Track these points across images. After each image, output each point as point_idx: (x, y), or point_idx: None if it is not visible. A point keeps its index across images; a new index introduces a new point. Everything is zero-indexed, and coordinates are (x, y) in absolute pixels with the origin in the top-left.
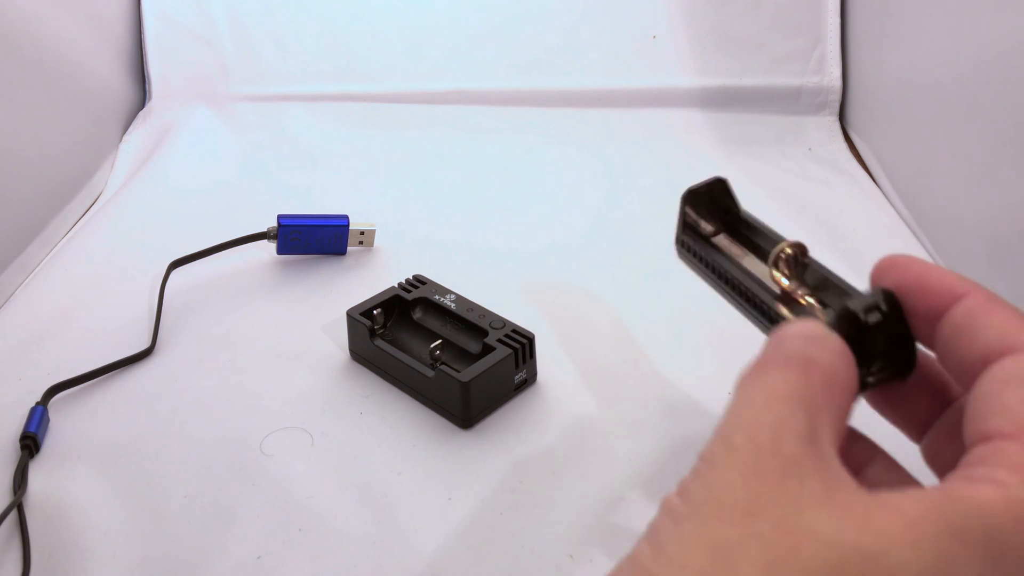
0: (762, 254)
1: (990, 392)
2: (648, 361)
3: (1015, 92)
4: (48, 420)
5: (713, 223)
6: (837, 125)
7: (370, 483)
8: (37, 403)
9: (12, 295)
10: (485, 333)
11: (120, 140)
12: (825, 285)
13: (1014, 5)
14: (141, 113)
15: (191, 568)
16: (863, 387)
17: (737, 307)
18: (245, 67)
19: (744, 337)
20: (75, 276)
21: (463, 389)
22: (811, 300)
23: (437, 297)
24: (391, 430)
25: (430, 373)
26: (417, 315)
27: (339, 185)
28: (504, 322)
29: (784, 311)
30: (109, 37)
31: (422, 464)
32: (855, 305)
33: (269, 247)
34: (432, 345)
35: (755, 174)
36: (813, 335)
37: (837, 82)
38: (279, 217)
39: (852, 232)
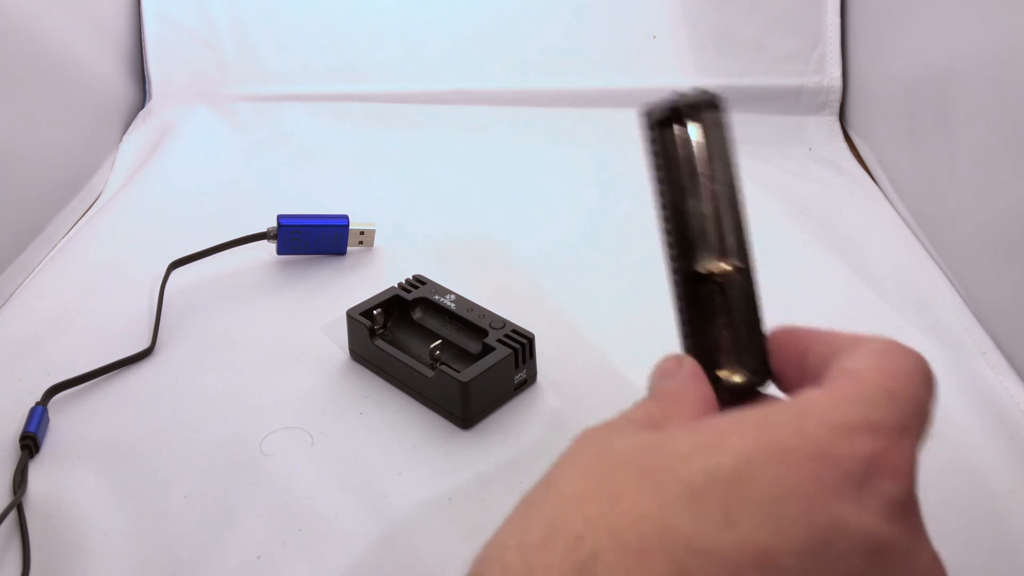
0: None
1: (834, 366)
2: (648, 361)
3: (1015, 92)
4: (48, 420)
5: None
6: (837, 125)
7: (370, 483)
8: (37, 403)
9: (12, 295)
10: (485, 333)
11: (120, 140)
12: (742, 304)
13: (1014, 4)
14: (141, 113)
15: (191, 568)
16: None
17: (659, 214)
18: (245, 67)
19: None
20: (75, 276)
21: (463, 389)
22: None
23: (437, 297)
24: (391, 430)
25: (430, 373)
26: (417, 315)
27: (339, 185)
28: (504, 322)
29: (689, 303)
30: (109, 37)
31: (422, 464)
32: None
33: (269, 247)
34: (432, 345)
35: (755, 174)
36: (667, 371)
37: (837, 82)
38: (279, 217)
39: (852, 232)
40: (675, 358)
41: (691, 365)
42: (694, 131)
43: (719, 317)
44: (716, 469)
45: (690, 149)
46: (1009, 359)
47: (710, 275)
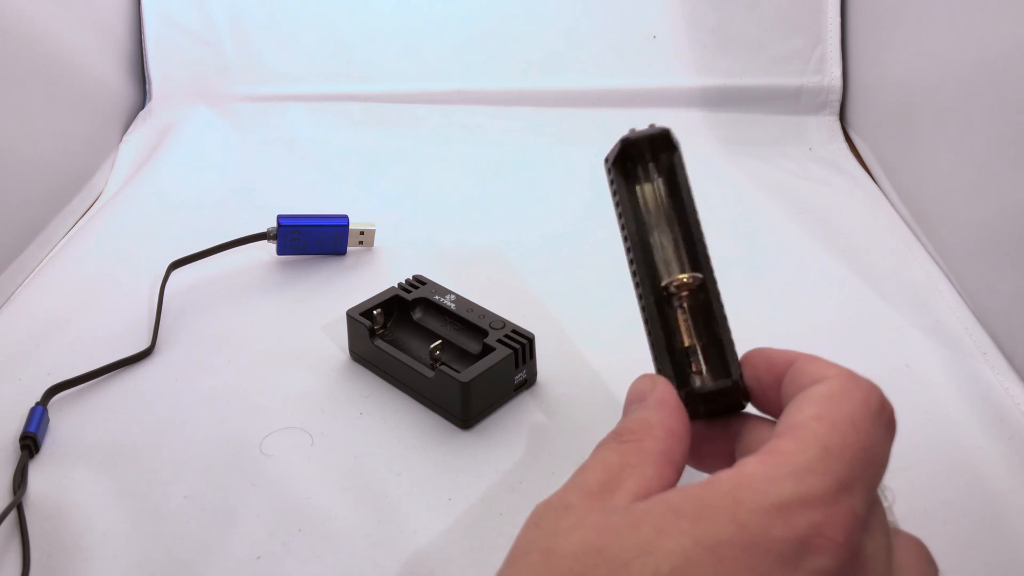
0: (678, 228)
1: (787, 411)
2: (648, 361)
3: (1015, 92)
4: (48, 420)
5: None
6: (837, 125)
7: (370, 483)
8: (37, 403)
9: (12, 295)
10: (485, 333)
11: (120, 140)
12: (707, 318)
13: (1014, 5)
14: (141, 113)
15: (191, 568)
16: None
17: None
18: (245, 67)
19: (742, 339)
20: (75, 276)
21: (463, 389)
22: (688, 324)
23: (437, 297)
24: (391, 430)
25: (430, 373)
26: (417, 315)
27: (339, 185)
28: (504, 322)
29: (657, 324)
30: (109, 37)
31: (422, 464)
32: (702, 387)
33: (269, 247)
34: (432, 345)
35: (755, 174)
36: (639, 393)
37: (837, 82)
38: (279, 217)
39: (852, 232)
40: (648, 378)
41: (662, 388)
42: (646, 168)
43: (686, 332)
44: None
45: (644, 186)
46: (1009, 359)
47: (675, 288)
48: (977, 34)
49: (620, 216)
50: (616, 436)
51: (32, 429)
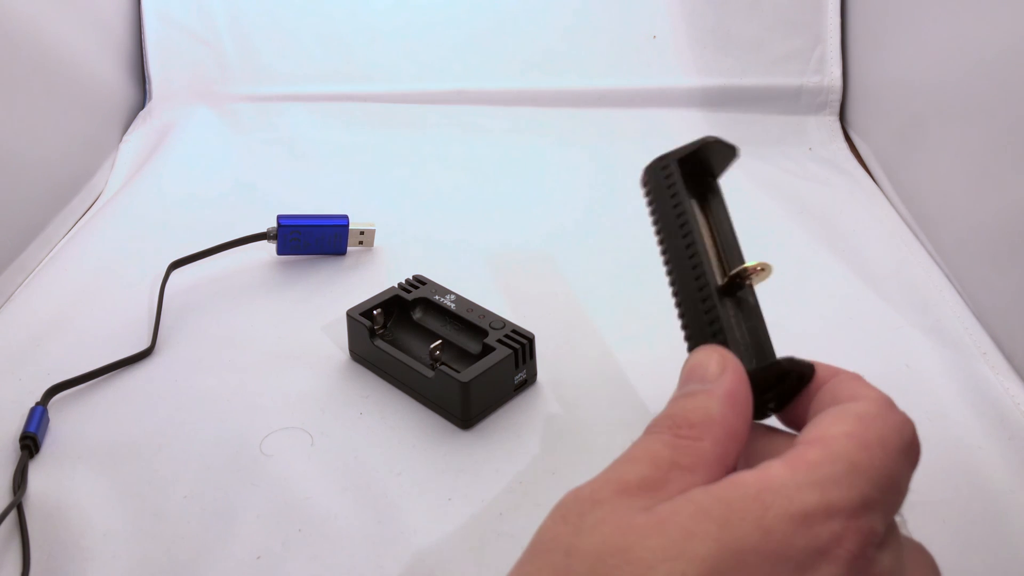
0: (715, 237)
1: (815, 421)
2: (648, 361)
3: (1015, 92)
4: (48, 420)
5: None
6: (837, 125)
7: (370, 483)
8: (37, 403)
9: (12, 295)
10: (485, 333)
11: (120, 140)
12: (750, 312)
13: (1014, 5)
14: (141, 113)
15: (191, 568)
16: (766, 414)
17: (670, 262)
18: (245, 67)
19: None
20: (75, 276)
21: (463, 389)
22: (740, 316)
23: (437, 297)
24: (391, 430)
25: (430, 373)
26: (417, 315)
27: (339, 185)
28: (504, 322)
29: (719, 309)
30: (109, 37)
31: (422, 464)
32: (785, 364)
33: (269, 247)
34: (432, 345)
35: (755, 174)
36: (705, 371)
37: (837, 82)
38: (279, 217)
39: (852, 232)
40: (717, 354)
41: (733, 374)
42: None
43: (736, 324)
44: None
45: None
46: (1009, 359)
47: (748, 274)
48: (977, 34)
49: (679, 216)
50: (672, 427)
51: (32, 429)
